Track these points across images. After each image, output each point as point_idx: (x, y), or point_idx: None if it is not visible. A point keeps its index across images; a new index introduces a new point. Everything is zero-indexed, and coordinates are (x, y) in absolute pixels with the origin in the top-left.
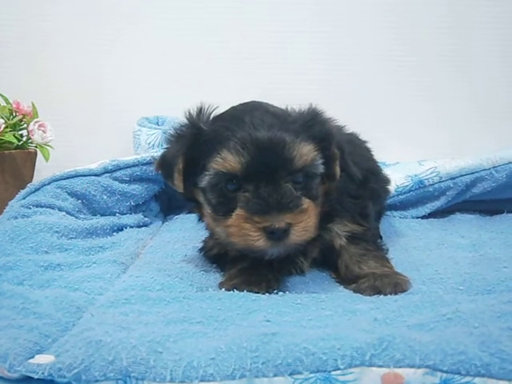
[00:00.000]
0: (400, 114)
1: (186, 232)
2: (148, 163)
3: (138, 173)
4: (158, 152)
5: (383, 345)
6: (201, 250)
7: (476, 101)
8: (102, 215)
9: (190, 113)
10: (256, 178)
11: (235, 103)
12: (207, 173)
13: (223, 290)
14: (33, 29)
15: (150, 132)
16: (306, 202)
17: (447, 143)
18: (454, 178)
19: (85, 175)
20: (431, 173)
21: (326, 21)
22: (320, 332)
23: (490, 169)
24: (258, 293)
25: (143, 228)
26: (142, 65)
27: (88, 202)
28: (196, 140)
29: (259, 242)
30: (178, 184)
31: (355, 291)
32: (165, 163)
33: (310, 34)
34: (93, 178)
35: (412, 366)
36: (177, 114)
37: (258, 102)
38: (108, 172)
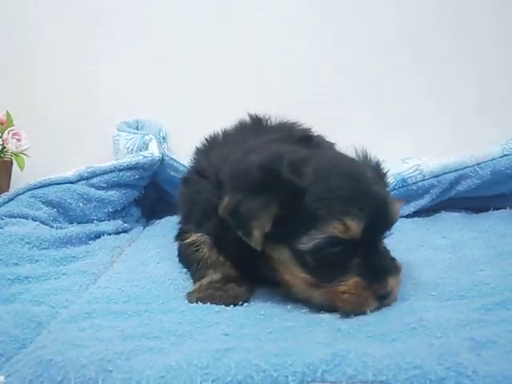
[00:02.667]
0: (401, 110)
1: (164, 238)
2: (125, 169)
3: (115, 179)
4: (135, 157)
5: (336, 360)
6: (177, 237)
7: (478, 95)
8: (79, 223)
9: (275, 163)
10: (367, 241)
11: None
12: (317, 236)
13: (186, 302)
14: (7, 34)
15: (129, 137)
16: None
17: (450, 138)
18: (437, 176)
19: (59, 183)
20: (414, 171)
21: (328, 14)
22: (276, 347)
23: (473, 166)
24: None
25: (122, 234)
26: (123, 69)
27: (64, 211)
28: (289, 197)
29: (371, 306)
30: (257, 242)
31: None
32: (240, 213)
33: (307, 28)
34: (68, 185)
35: (365, 382)
36: (157, 118)
37: (332, 152)
38: (84, 179)
